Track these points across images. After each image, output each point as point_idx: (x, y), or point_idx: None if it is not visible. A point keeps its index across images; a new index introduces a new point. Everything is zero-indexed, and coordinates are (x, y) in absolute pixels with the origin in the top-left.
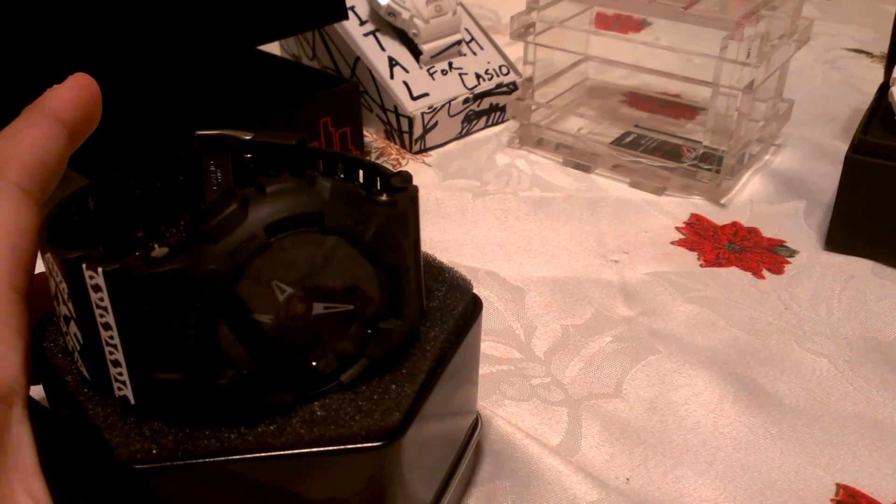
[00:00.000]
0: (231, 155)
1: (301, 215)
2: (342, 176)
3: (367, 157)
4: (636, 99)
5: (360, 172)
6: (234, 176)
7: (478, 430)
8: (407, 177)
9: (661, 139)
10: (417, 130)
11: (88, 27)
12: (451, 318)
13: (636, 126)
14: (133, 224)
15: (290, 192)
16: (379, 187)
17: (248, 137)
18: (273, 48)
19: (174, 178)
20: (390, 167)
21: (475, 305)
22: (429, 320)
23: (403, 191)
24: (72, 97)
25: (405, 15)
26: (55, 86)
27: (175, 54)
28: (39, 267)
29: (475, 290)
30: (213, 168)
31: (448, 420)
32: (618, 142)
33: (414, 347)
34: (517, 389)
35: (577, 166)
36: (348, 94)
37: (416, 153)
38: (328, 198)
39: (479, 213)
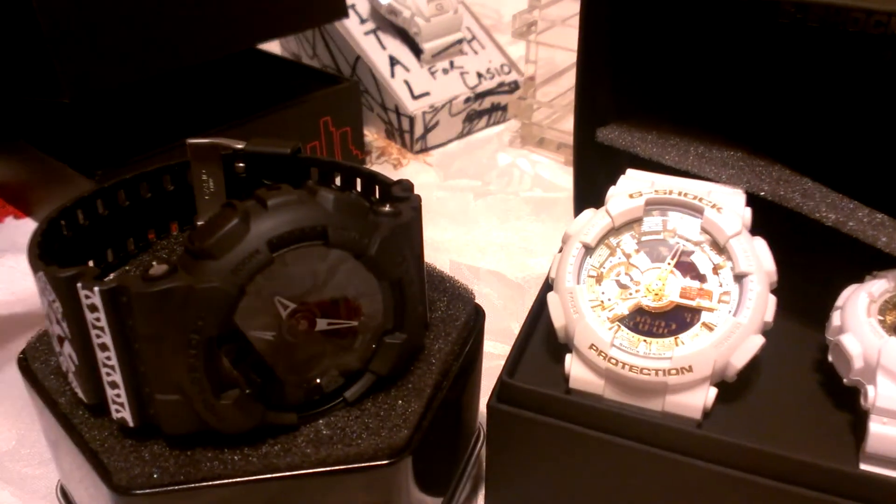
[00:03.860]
0: (223, 163)
1: (305, 229)
2: (338, 185)
3: (365, 164)
4: None
5: (358, 181)
6: (227, 185)
7: (482, 440)
8: (408, 185)
9: None
10: (418, 130)
11: (90, 26)
12: (455, 330)
13: None
14: (123, 236)
15: (292, 205)
16: (378, 196)
17: (240, 146)
18: (273, 47)
19: (163, 189)
20: (391, 167)
21: (477, 315)
22: (432, 332)
23: (406, 200)
24: None
25: (406, 13)
26: None
27: (175, 53)
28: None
29: (476, 288)
30: (205, 177)
31: (453, 432)
32: None
33: (419, 361)
34: None
35: None
36: (349, 93)
37: (417, 153)
38: (332, 210)
39: (480, 212)
